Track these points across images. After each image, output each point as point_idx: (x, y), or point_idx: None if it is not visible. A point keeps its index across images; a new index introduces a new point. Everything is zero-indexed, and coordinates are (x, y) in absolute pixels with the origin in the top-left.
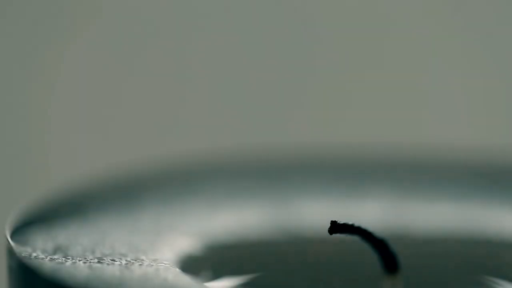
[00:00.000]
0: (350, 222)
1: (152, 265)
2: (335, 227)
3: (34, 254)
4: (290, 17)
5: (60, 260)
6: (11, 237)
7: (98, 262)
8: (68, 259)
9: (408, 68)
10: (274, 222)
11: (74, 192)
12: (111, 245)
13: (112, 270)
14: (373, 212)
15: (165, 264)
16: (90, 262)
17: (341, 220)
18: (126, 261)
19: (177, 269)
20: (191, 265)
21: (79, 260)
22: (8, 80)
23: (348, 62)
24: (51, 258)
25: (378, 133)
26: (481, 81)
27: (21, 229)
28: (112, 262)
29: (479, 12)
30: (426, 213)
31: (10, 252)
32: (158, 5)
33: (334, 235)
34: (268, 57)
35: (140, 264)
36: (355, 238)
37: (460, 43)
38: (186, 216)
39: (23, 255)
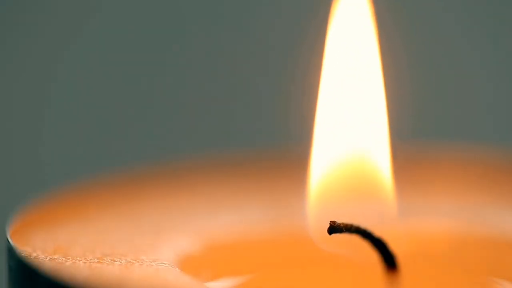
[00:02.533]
0: (349, 222)
1: (152, 265)
2: (334, 227)
3: (34, 254)
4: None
5: (60, 260)
6: (11, 237)
7: (98, 262)
8: (68, 259)
9: (410, 65)
10: (273, 222)
11: (74, 192)
12: (111, 245)
13: (112, 270)
14: (373, 211)
15: (165, 264)
16: (90, 262)
17: (340, 220)
18: (126, 261)
19: (177, 269)
20: (191, 265)
21: (79, 260)
22: (9, 79)
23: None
24: (51, 258)
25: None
26: (481, 80)
27: (21, 229)
28: (112, 262)
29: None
30: (426, 213)
31: (10, 252)
32: (154, 6)
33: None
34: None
35: (140, 264)
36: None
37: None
38: (186, 216)
39: (23, 255)
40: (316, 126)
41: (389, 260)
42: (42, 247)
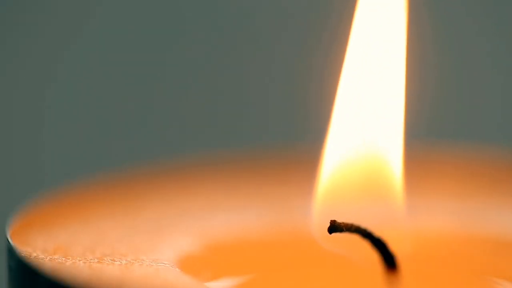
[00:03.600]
0: (349, 221)
1: (152, 265)
2: (335, 227)
3: (34, 254)
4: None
5: (60, 260)
6: (11, 237)
7: (98, 262)
8: (68, 259)
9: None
10: (274, 222)
11: (74, 192)
12: (111, 245)
13: (112, 270)
14: (373, 211)
15: (165, 264)
16: (90, 262)
17: (340, 219)
18: (126, 261)
19: (177, 269)
20: (191, 265)
21: (79, 260)
22: (9, 79)
23: None
24: (51, 258)
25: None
26: (481, 80)
27: (21, 229)
28: (112, 262)
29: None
30: (426, 212)
31: (10, 252)
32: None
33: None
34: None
35: (140, 264)
36: (354, 237)
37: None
38: (186, 216)
39: (23, 255)
40: (329, 123)
41: (389, 260)
42: (42, 247)
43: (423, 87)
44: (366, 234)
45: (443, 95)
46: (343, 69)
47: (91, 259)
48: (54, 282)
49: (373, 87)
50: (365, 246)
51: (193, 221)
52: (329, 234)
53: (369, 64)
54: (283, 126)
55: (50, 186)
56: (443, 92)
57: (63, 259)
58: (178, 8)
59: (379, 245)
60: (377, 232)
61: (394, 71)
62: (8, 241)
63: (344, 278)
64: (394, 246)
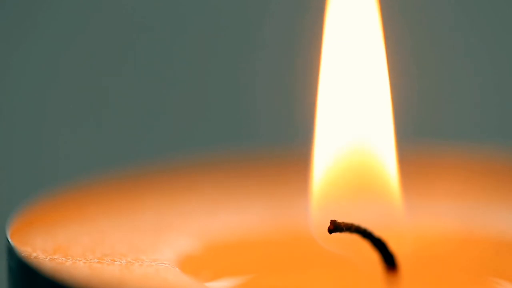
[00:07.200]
0: (349, 221)
1: (152, 265)
2: (335, 226)
3: (34, 254)
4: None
5: (60, 260)
6: (11, 237)
7: (98, 262)
8: (68, 259)
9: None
10: (274, 222)
11: (74, 192)
12: (111, 245)
13: (112, 270)
14: (373, 211)
15: (165, 264)
16: (90, 262)
17: (340, 219)
18: (126, 261)
19: (177, 269)
20: (191, 265)
21: (79, 260)
22: (9, 79)
23: None
24: (51, 258)
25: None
26: (480, 80)
27: (21, 229)
28: (112, 262)
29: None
30: (426, 213)
31: (10, 252)
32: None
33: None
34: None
35: (140, 264)
36: (354, 237)
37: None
38: (186, 216)
39: (23, 255)
40: (319, 124)
41: (389, 260)
42: (42, 247)
43: (423, 87)
44: (366, 234)
45: (443, 95)
46: (323, 68)
47: (91, 259)
48: (54, 282)
49: (362, 85)
50: (365, 246)
51: (193, 221)
52: (329, 234)
53: (351, 61)
54: (283, 126)
55: (50, 186)
56: (443, 92)
57: (63, 259)
58: (179, 8)
59: (379, 245)
60: (377, 232)
61: (377, 69)
62: (8, 241)
63: (344, 278)
64: (394, 246)
